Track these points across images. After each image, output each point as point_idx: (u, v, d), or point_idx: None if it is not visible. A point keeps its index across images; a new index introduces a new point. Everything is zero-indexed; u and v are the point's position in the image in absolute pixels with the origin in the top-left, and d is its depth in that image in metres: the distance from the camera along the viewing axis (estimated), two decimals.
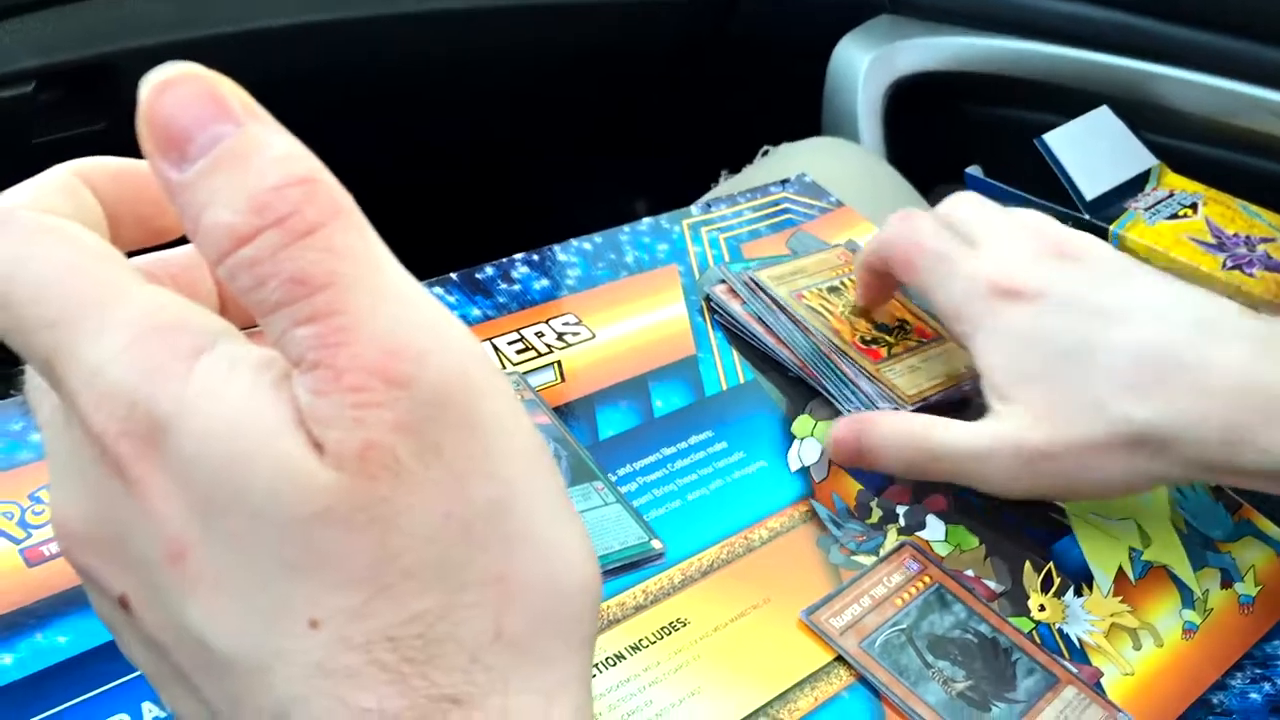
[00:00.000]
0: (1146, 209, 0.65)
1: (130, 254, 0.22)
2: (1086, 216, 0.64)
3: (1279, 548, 0.45)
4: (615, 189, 1.03)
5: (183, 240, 0.23)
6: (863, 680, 0.36)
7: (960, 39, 0.81)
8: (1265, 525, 0.46)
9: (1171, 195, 0.67)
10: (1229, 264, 0.61)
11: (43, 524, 0.34)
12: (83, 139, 0.65)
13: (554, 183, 0.99)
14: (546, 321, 0.46)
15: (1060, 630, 0.39)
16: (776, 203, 0.57)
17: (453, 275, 0.47)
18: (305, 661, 0.19)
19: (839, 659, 0.36)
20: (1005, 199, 0.62)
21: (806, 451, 0.43)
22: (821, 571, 0.39)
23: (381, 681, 0.19)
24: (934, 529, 0.42)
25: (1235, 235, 0.63)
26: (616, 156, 1.02)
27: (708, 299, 0.49)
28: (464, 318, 0.45)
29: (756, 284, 0.48)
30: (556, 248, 0.50)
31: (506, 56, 0.84)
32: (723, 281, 0.49)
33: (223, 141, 0.19)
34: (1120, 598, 0.41)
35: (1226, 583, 0.43)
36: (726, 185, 0.70)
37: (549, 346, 0.45)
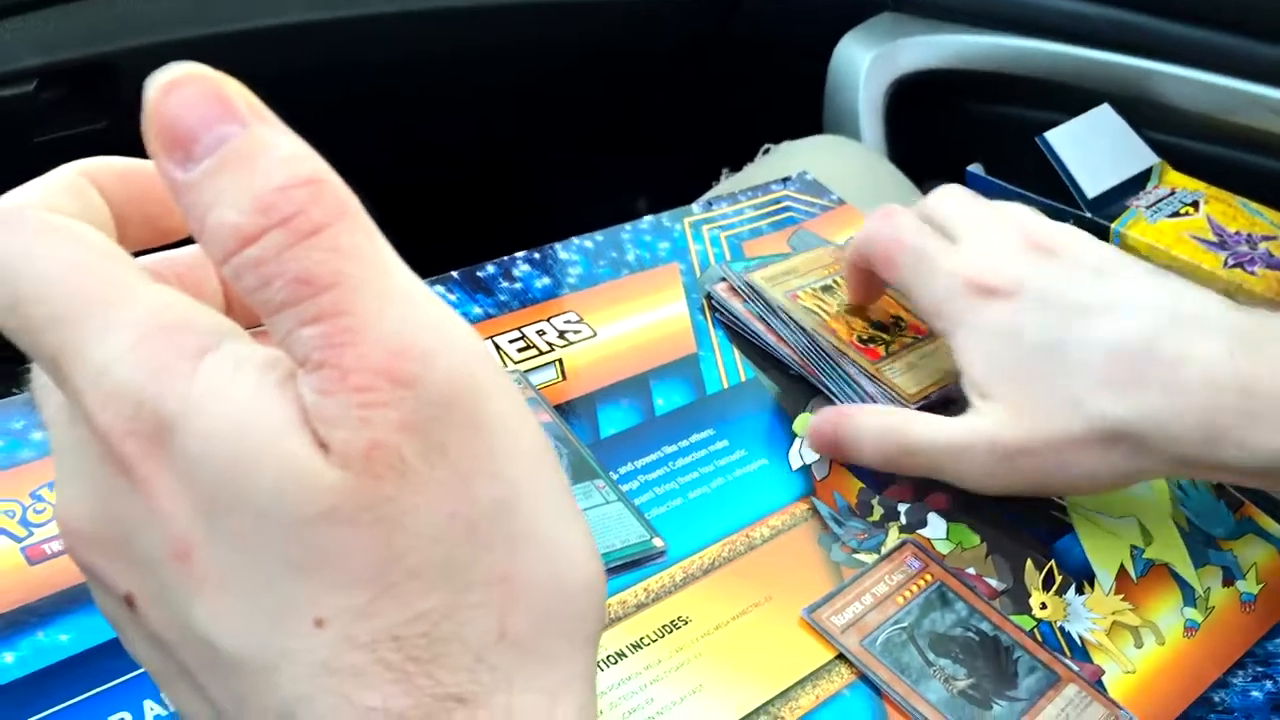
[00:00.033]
0: (1148, 207, 0.65)
1: (137, 253, 0.22)
2: (1088, 214, 0.64)
3: None
4: (617, 187, 1.03)
5: (189, 240, 0.23)
6: (864, 678, 0.36)
7: (962, 37, 0.80)
8: (1267, 523, 0.46)
9: (1173, 193, 0.66)
10: (1230, 262, 0.61)
11: (44, 522, 0.34)
12: (84, 138, 0.65)
13: (556, 180, 0.99)
14: (548, 319, 0.46)
15: (1062, 628, 0.39)
16: (778, 201, 0.57)
17: (454, 273, 0.47)
18: (310, 660, 0.19)
19: (840, 657, 0.36)
20: (1007, 197, 0.62)
21: (808, 450, 0.43)
22: (823, 569, 0.39)
23: (386, 680, 0.19)
24: (935, 527, 0.42)
25: (1237, 233, 0.63)
26: (618, 154, 1.02)
27: (709, 297, 0.49)
28: (465, 316, 0.45)
29: (751, 288, 0.48)
30: (558, 246, 0.50)
31: (509, 54, 0.84)
32: (723, 280, 0.49)
33: (228, 142, 0.19)
34: (1122, 596, 0.41)
35: (1228, 581, 0.43)
36: (728, 183, 0.70)
37: (550, 345, 0.45)
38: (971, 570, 0.41)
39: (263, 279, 0.19)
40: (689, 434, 0.43)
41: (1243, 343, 0.37)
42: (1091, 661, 0.39)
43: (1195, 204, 0.65)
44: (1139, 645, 0.40)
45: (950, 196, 0.44)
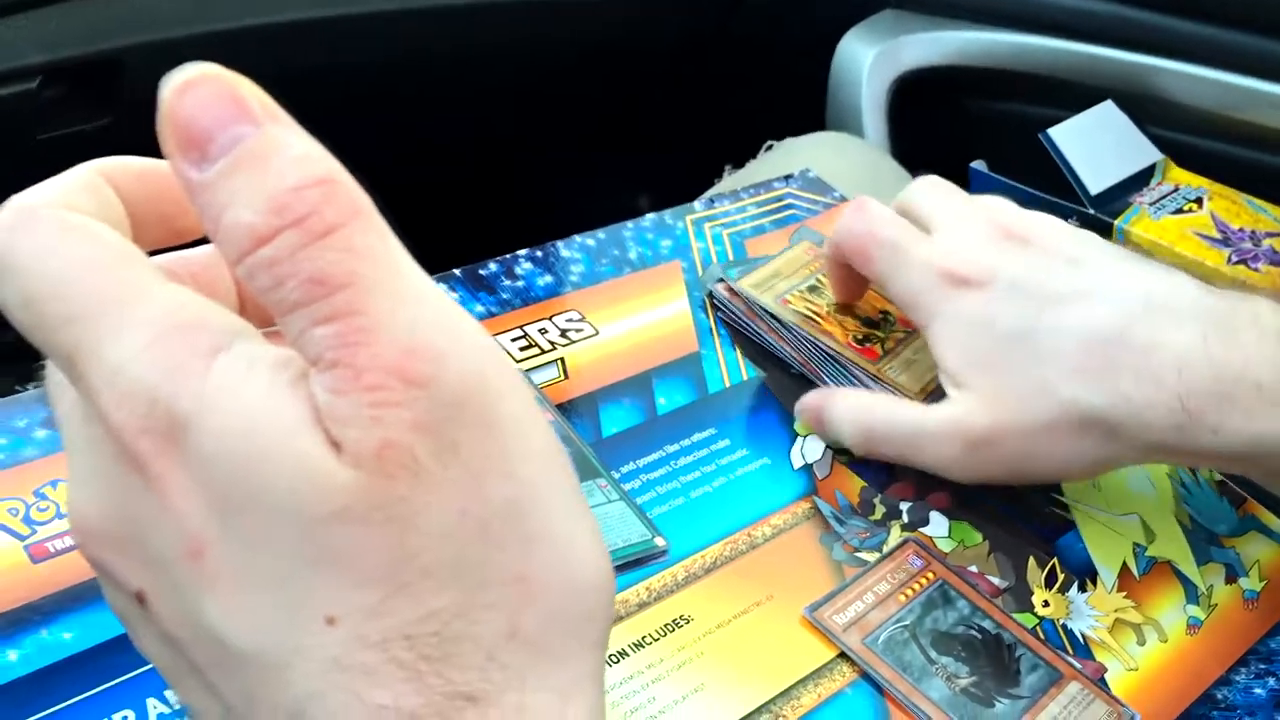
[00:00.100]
0: (1151, 203, 0.65)
1: (151, 253, 0.22)
2: (1091, 211, 0.64)
3: None
4: (619, 185, 1.03)
5: (204, 240, 0.23)
6: (866, 677, 0.36)
7: (964, 34, 0.80)
8: (1270, 520, 0.46)
9: (1176, 190, 0.66)
10: (1234, 259, 0.61)
11: (48, 520, 0.34)
12: (87, 135, 0.65)
13: (557, 178, 0.99)
14: (550, 318, 0.46)
15: (1064, 626, 0.39)
16: (780, 198, 0.57)
17: (456, 271, 0.47)
18: (322, 658, 0.19)
19: (842, 655, 0.36)
20: (1010, 194, 0.62)
21: (809, 449, 0.43)
22: (824, 568, 0.39)
23: (398, 679, 0.19)
24: (937, 525, 0.42)
25: (1240, 230, 0.63)
26: (620, 152, 1.02)
27: (710, 295, 0.49)
28: None
29: (740, 296, 0.47)
30: (560, 244, 0.50)
31: (510, 52, 0.84)
32: (722, 279, 0.49)
33: (243, 142, 0.19)
34: (1124, 593, 0.41)
35: (1231, 578, 0.43)
36: (730, 180, 0.70)
37: (552, 343, 0.45)
38: (974, 568, 0.41)
39: (276, 279, 0.19)
40: (691, 433, 0.43)
41: (1216, 328, 0.37)
42: (1094, 659, 0.39)
43: (1199, 200, 0.65)
44: (1141, 643, 0.40)
45: (925, 188, 0.44)
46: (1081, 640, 0.39)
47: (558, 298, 0.47)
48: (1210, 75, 0.72)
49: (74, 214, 0.21)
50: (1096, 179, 0.66)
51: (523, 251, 0.49)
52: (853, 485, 0.42)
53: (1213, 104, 0.72)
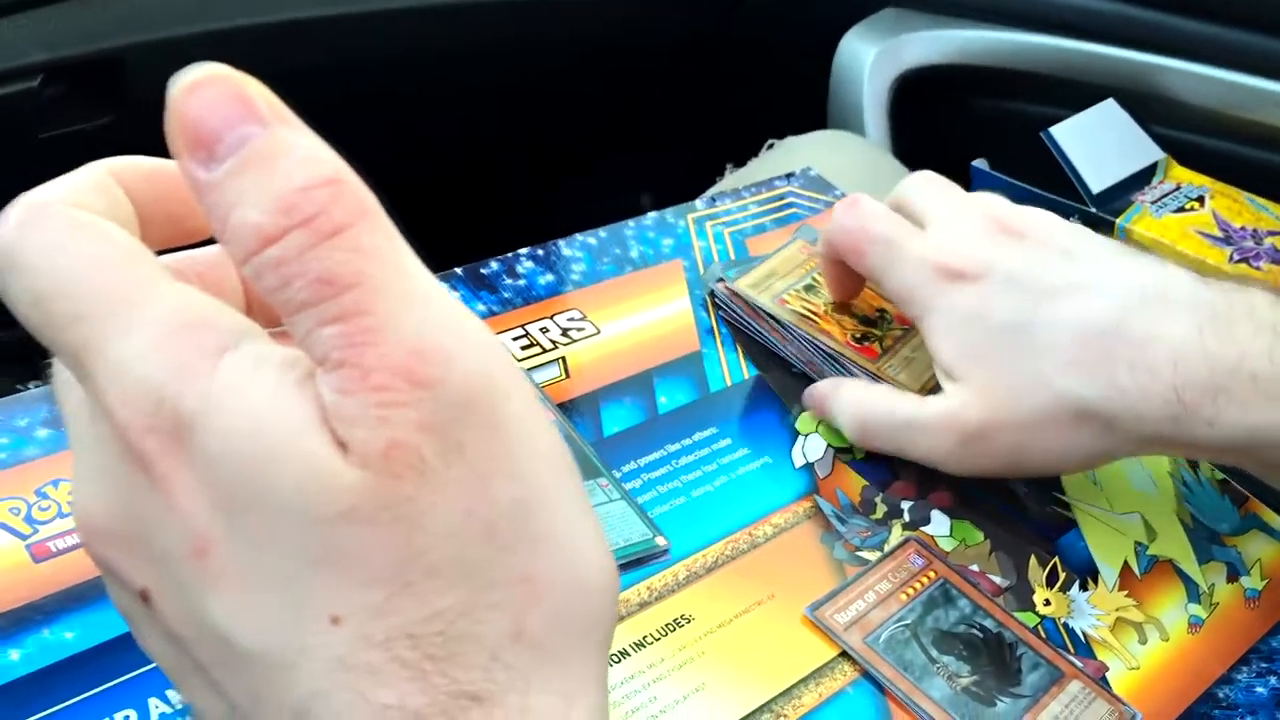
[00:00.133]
0: (1153, 202, 0.65)
1: (159, 253, 0.22)
2: (1093, 210, 0.64)
3: None
4: (620, 184, 1.03)
5: (211, 240, 0.23)
6: (867, 676, 0.36)
7: (966, 32, 0.80)
8: (1272, 519, 0.46)
9: (1178, 188, 0.66)
10: (1236, 257, 0.61)
11: (49, 519, 0.34)
12: (88, 134, 0.65)
13: (559, 177, 0.99)
14: (551, 317, 0.46)
15: (1065, 625, 0.39)
16: (781, 197, 0.57)
17: (458, 270, 0.47)
18: (327, 657, 0.19)
19: (843, 655, 0.36)
20: (1011, 192, 0.62)
21: (810, 448, 0.43)
22: (826, 567, 0.39)
23: (403, 678, 0.19)
24: (939, 524, 0.42)
25: (1242, 228, 0.63)
26: (621, 151, 1.01)
27: (711, 294, 0.49)
28: None
29: (739, 297, 0.47)
30: (561, 242, 0.50)
31: (511, 52, 0.84)
32: (722, 279, 0.49)
33: (250, 142, 0.19)
34: (1125, 592, 0.41)
35: (1232, 577, 0.43)
36: (732, 179, 0.70)
37: (554, 342, 0.45)
38: (975, 567, 0.40)
39: (283, 279, 0.19)
40: (692, 432, 0.43)
41: (1212, 320, 0.37)
42: (1095, 658, 0.39)
43: (1201, 199, 0.65)
44: (1143, 641, 0.40)
45: (919, 183, 0.44)
46: (1083, 639, 0.39)
47: (559, 296, 0.47)
48: (1212, 73, 0.72)
49: (83, 212, 0.21)
50: (1098, 177, 0.66)
51: (524, 250, 0.49)
52: (854, 484, 0.42)
53: (1214, 102, 0.72)
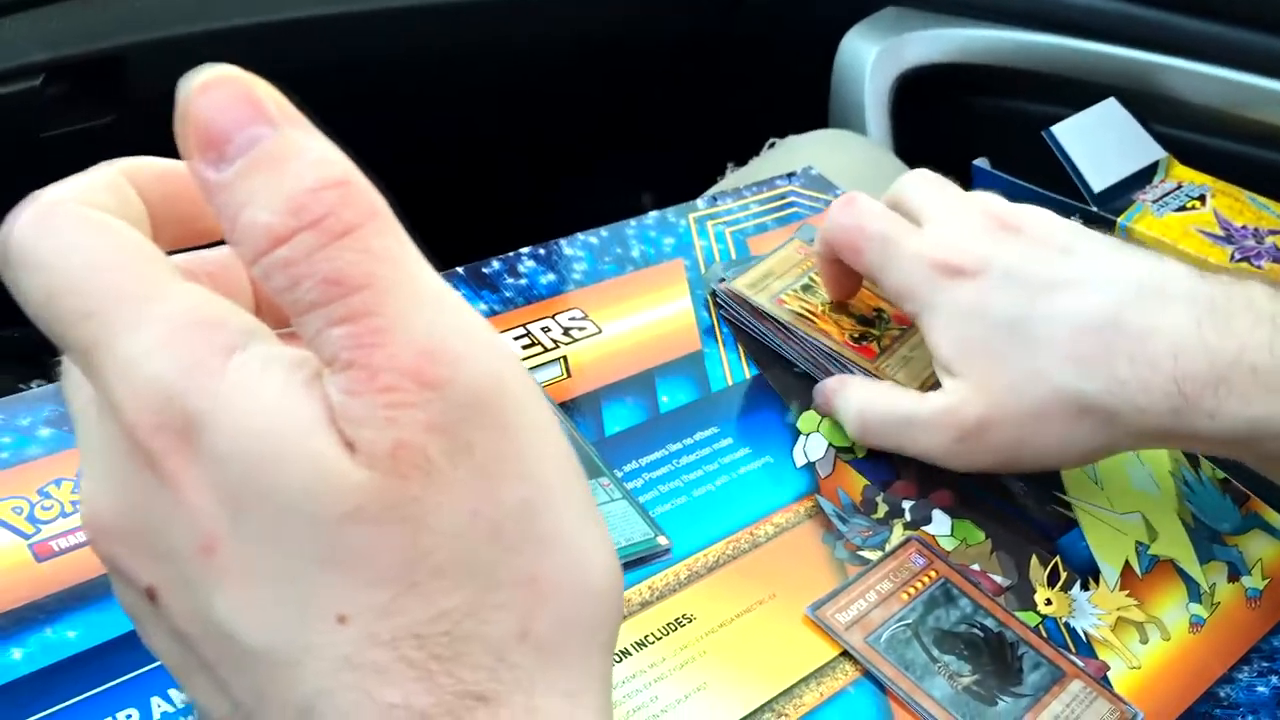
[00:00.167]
0: (1154, 201, 0.65)
1: (169, 253, 0.22)
2: (1094, 209, 0.64)
3: None
4: (622, 183, 1.03)
5: (222, 242, 0.23)
6: (868, 675, 0.36)
7: (967, 31, 0.80)
8: (1273, 518, 0.46)
9: (1179, 187, 0.66)
10: (1237, 256, 0.61)
11: (52, 519, 0.34)
12: (90, 133, 0.65)
13: (560, 176, 0.99)
14: (553, 316, 0.46)
15: (1067, 624, 0.39)
16: (782, 196, 0.57)
17: (459, 269, 0.47)
18: (333, 656, 0.19)
19: (844, 654, 0.36)
20: (1012, 191, 0.62)
21: (812, 447, 0.43)
22: (827, 567, 0.39)
23: (409, 678, 0.19)
24: (940, 523, 0.42)
25: (1243, 227, 0.63)
26: (623, 151, 1.01)
27: (714, 295, 0.49)
28: None
29: (739, 297, 0.47)
30: (563, 241, 0.50)
31: (511, 51, 0.84)
32: (724, 279, 0.49)
33: (260, 143, 0.19)
34: (1127, 591, 0.41)
35: (1233, 576, 0.43)
36: (733, 178, 0.70)
37: (555, 342, 0.45)
38: (976, 567, 0.41)
39: (293, 279, 0.19)
40: (693, 432, 0.43)
41: (1210, 312, 0.37)
42: (1097, 657, 0.39)
43: (1202, 198, 0.65)
44: (1144, 641, 0.40)
45: (916, 181, 0.44)
46: (1084, 638, 0.39)
47: (560, 296, 0.47)
48: (1213, 72, 0.72)
49: (95, 211, 0.21)
50: (1099, 176, 0.66)
51: (525, 249, 0.49)
52: (855, 483, 0.42)
53: (1216, 101, 0.72)
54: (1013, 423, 0.39)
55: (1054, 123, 0.66)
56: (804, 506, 0.41)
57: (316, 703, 0.19)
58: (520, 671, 0.20)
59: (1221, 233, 0.63)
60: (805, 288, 0.48)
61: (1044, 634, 0.39)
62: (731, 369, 0.46)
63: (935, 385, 0.43)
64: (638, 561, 0.37)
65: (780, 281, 0.48)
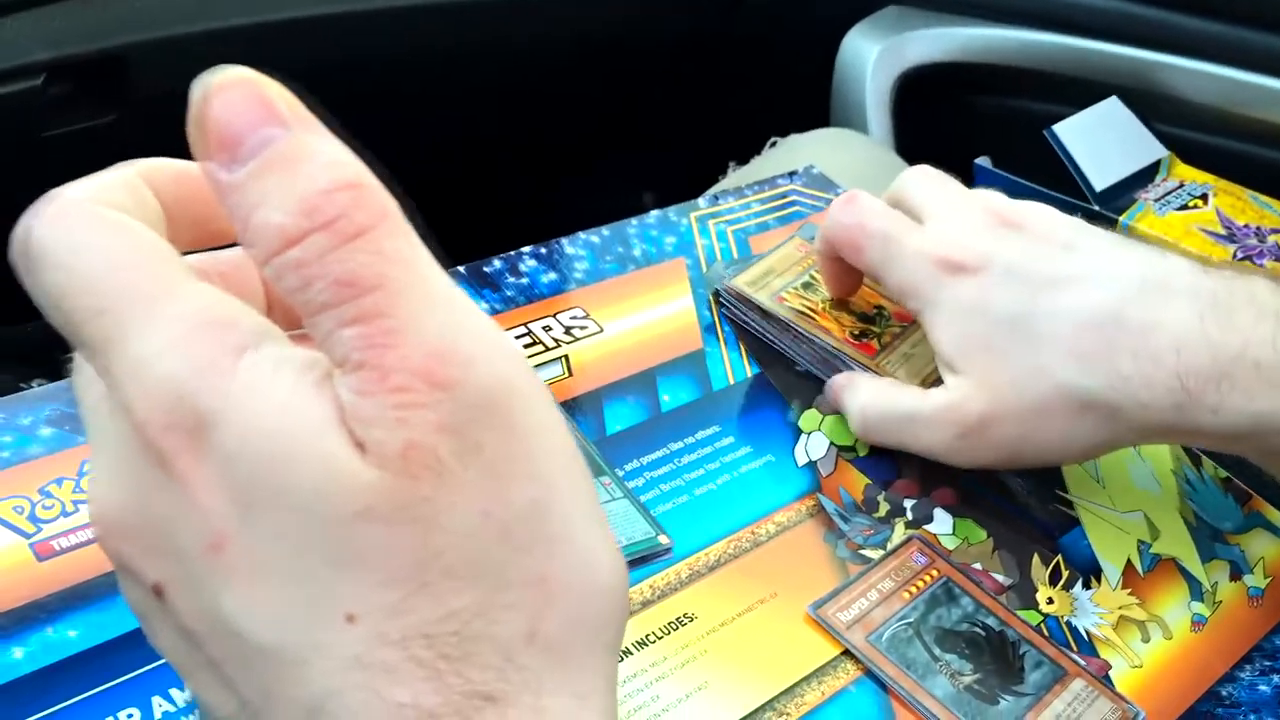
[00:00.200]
0: (1156, 200, 0.65)
1: (184, 254, 0.22)
2: (1096, 207, 0.64)
3: None
4: (623, 182, 1.03)
5: (235, 243, 0.23)
6: (870, 674, 0.36)
7: (969, 30, 0.80)
8: (1275, 517, 0.46)
9: (1181, 186, 0.66)
10: (1239, 255, 0.61)
11: (53, 518, 0.34)
12: (92, 132, 0.65)
13: (562, 176, 0.99)
14: (554, 315, 0.46)
15: (1068, 623, 0.39)
16: (784, 195, 0.57)
17: (461, 268, 0.47)
18: (342, 655, 0.19)
19: (846, 653, 0.36)
20: (1014, 190, 0.62)
21: (813, 446, 0.43)
22: (828, 566, 0.39)
23: (418, 678, 0.19)
24: (942, 522, 0.42)
25: (1245, 226, 0.63)
26: (624, 150, 1.02)
27: (716, 294, 0.49)
28: None
29: (740, 295, 0.47)
30: (564, 241, 0.50)
31: (512, 51, 0.84)
32: (725, 278, 0.49)
33: (272, 144, 0.19)
34: (1129, 590, 0.41)
35: (1235, 575, 0.43)
36: (734, 177, 0.70)
37: (556, 340, 0.45)
38: (978, 565, 0.40)
39: (305, 280, 0.19)
40: (695, 430, 0.43)
41: (1213, 307, 0.37)
42: (1098, 656, 0.39)
43: (1204, 197, 0.65)
44: (1146, 640, 0.40)
45: (917, 178, 0.44)
46: (1086, 637, 0.39)
47: (562, 295, 0.47)
48: (1215, 71, 0.72)
49: (111, 210, 0.21)
50: (1101, 175, 0.65)
51: (527, 248, 0.49)
52: (857, 482, 0.42)
53: (1218, 100, 0.72)
54: (1015, 419, 0.39)
55: (1056, 121, 0.66)
56: (805, 505, 0.41)
57: (325, 702, 0.19)
58: (528, 672, 0.20)
59: (1224, 231, 0.63)
60: (806, 285, 0.48)
61: (1046, 633, 0.39)
62: (733, 368, 0.46)
63: (936, 382, 0.43)
64: (639, 560, 0.37)
65: (781, 279, 0.48)
